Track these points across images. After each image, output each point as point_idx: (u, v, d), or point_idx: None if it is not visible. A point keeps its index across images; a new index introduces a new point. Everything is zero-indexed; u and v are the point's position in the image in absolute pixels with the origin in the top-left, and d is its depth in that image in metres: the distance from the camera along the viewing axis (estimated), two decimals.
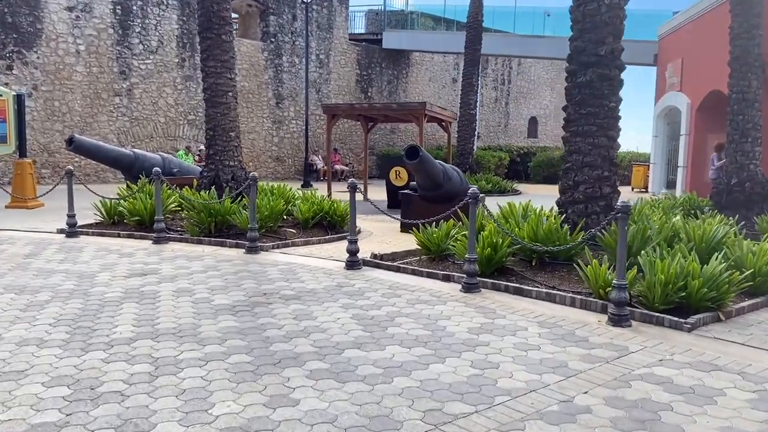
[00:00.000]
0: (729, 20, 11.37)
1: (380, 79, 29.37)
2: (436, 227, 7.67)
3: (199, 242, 9.02)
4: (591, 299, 5.72)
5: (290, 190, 11.08)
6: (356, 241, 7.36)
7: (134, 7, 20.39)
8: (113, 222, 10.16)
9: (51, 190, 11.00)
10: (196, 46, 20.75)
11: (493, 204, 9.36)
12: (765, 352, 4.62)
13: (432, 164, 9.71)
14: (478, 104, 25.50)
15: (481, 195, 7.35)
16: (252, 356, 4.32)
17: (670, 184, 21.53)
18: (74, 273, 6.91)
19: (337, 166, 25.47)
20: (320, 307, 5.62)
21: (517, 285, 6.27)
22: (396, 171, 14.51)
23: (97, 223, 10.33)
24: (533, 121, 38.83)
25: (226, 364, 4.16)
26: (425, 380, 3.94)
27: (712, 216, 8.83)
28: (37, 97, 18.51)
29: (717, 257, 5.73)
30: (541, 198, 12.18)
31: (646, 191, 23.15)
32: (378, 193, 16.42)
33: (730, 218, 8.30)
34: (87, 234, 9.65)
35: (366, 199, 8.04)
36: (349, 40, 28.12)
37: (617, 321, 5.15)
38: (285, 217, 9.93)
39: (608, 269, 5.73)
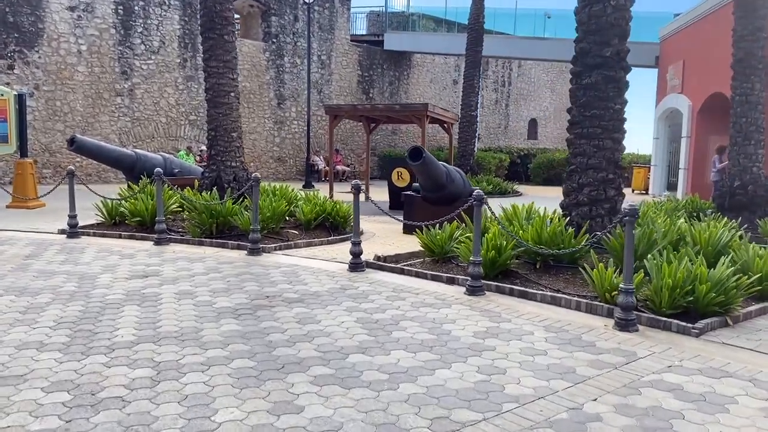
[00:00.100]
0: (731, 22, 11.33)
1: (381, 81, 29.33)
2: (439, 229, 7.62)
3: (201, 243, 8.97)
4: (597, 303, 5.67)
5: (292, 191, 11.03)
6: (360, 243, 7.31)
7: (136, 7, 20.34)
8: (114, 223, 10.10)
9: (52, 190, 10.94)
10: (198, 46, 20.76)
11: (495, 205, 9.29)
12: None
13: (435, 166, 9.66)
14: (478, 106, 25.46)
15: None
16: (255, 361, 4.26)
17: (671, 186, 21.49)
18: (75, 274, 6.85)
19: (339, 167, 25.42)
20: (324, 310, 5.56)
21: (522, 288, 6.21)
22: (398, 172, 14.45)
23: (98, 224, 10.27)
24: (533, 123, 38.79)
25: (228, 369, 4.10)
26: (432, 386, 3.88)
27: (715, 219, 8.77)
28: (38, 97, 18.46)
29: (724, 261, 5.66)
30: (542, 199, 12.14)
31: (647, 193, 23.11)
32: (380, 194, 16.35)
33: (733, 221, 8.24)
34: (88, 234, 9.59)
35: (369, 199, 7.98)
36: (351, 41, 28.07)
37: (624, 326, 5.09)
38: (287, 218, 9.88)
39: (614, 273, 5.67)
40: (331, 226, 9.92)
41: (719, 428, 3.39)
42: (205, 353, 4.40)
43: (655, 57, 22.05)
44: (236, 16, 23.05)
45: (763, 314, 5.72)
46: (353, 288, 6.45)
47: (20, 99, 13.39)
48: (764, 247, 6.40)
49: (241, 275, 6.97)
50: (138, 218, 9.67)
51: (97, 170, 19.65)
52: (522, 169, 29.00)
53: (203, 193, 10.10)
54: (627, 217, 5.10)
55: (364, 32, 30.55)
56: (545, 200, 10.78)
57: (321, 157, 26.15)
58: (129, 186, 11.90)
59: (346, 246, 8.38)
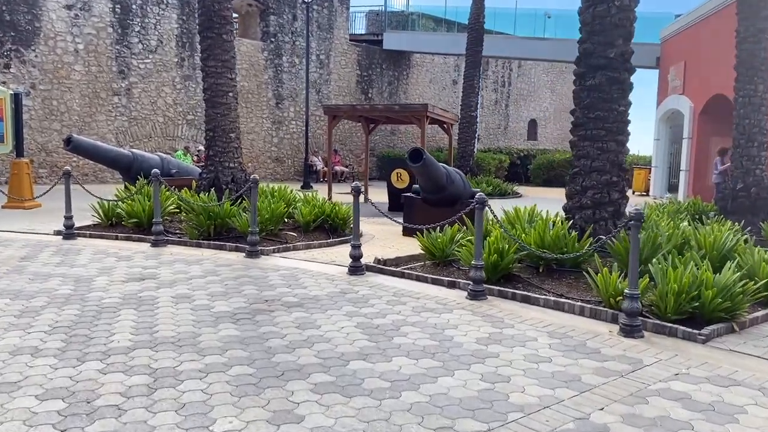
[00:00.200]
0: (733, 23, 11.25)
1: (381, 80, 29.23)
2: (440, 232, 7.53)
3: (198, 245, 8.87)
4: (601, 308, 5.59)
5: (291, 192, 10.93)
6: (359, 246, 7.22)
7: (134, 6, 20.22)
8: (111, 224, 10.00)
9: (48, 190, 10.83)
10: (196, 45, 20.66)
11: (495, 207, 9.19)
12: None
13: (435, 167, 9.57)
14: (478, 106, 25.38)
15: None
16: (254, 368, 4.17)
17: (672, 188, 21.43)
18: (71, 277, 6.76)
19: (337, 168, 25.32)
20: (324, 315, 5.47)
21: (525, 293, 6.13)
22: (398, 173, 14.36)
23: (94, 225, 10.17)
24: (533, 124, 38.72)
25: (227, 376, 4.01)
26: (434, 395, 3.79)
27: (718, 222, 8.69)
28: (35, 96, 18.33)
29: (730, 266, 5.58)
30: (543, 201, 12.07)
31: (647, 195, 23.05)
32: (379, 195, 16.27)
33: (736, 224, 8.16)
34: (84, 236, 9.50)
35: (368, 201, 7.89)
36: (350, 40, 27.97)
37: (629, 332, 5.01)
38: (286, 220, 9.78)
39: (618, 277, 5.59)
40: (330, 228, 9.83)
41: None
42: (203, 359, 4.31)
43: (656, 58, 21.98)
44: (234, 15, 23.00)
45: None
46: (353, 292, 6.36)
47: (16, 98, 13.29)
48: None
49: (240, 278, 6.88)
50: (135, 219, 9.57)
51: (93, 170, 19.53)
52: (522, 170, 28.92)
53: (201, 194, 10.00)
54: (632, 222, 5.02)
55: (363, 32, 30.45)
56: (546, 202, 10.70)
57: (319, 157, 26.05)
58: (126, 186, 11.79)
59: (346, 248, 8.29)
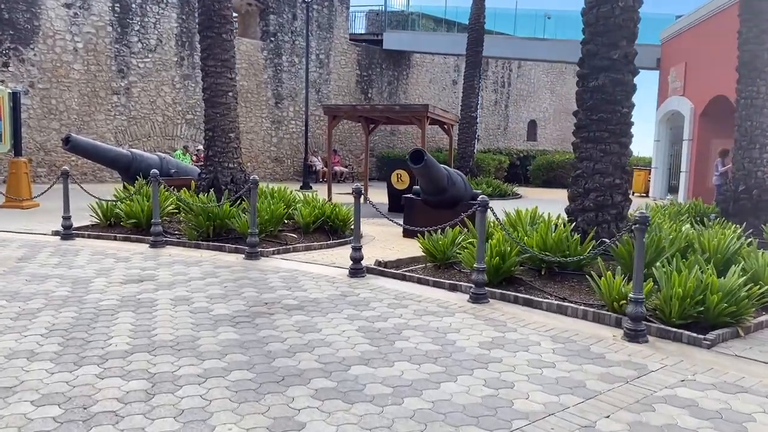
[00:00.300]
0: (735, 24, 11.20)
1: (380, 80, 29.17)
2: (441, 234, 7.47)
3: (197, 246, 8.80)
4: (604, 312, 5.53)
5: (290, 193, 10.86)
6: (360, 248, 7.15)
7: (133, 5, 20.15)
8: (110, 224, 9.93)
9: (47, 190, 10.75)
10: (195, 44, 20.60)
11: (495, 208, 9.15)
12: None
13: (437, 169, 9.50)
14: (478, 107, 25.33)
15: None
16: (254, 373, 4.10)
17: (672, 189, 21.38)
18: (69, 278, 6.69)
19: (337, 168, 25.26)
20: (324, 318, 5.41)
21: (527, 296, 6.07)
22: (398, 174, 14.30)
23: (93, 225, 10.11)
24: (532, 124, 38.67)
25: (226, 382, 3.94)
26: (437, 401, 3.73)
27: (720, 224, 8.64)
28: (33, 95, 18.26)
29: (735, 270, 5.52)
30: (543, 202, 12.02)
31: (647, 196, 23.01)
32: (378, 195, 16.20)
33: (738, 226, 8.11)
34: (83, 236, 9.43)
35: (369, 202, 7.82)
36: (350, 40, 27.90)
37: (634, 336, 4.95)
38: (285, 221, 9.71)
39: (622, 281, 5.53)
40: (331, 229, 9.76)
41: None
42: (201, 364, 4.24)
43: (656, 59, 21.93)
44: (234, 14, 22.92)
45: None
46: (354, 295, 6.29)
47: (14, 97, 13.21)
48: None
49: (239, 280, 6.81)
50: (133, 220, 9.50)
51: (92, 169, 19.45)
52: (521, 171, 28.88)
53: (200, 195, 9.94)
54: (637, 225, 4.96)
55: (363, 31, 30.39)
56: (546, 203, 10.64)
57: (319, 157, 25.98)
58: (125, 186, 11.73)
59: (346, 250, 8.23)
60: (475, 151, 23.91)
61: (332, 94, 26.94)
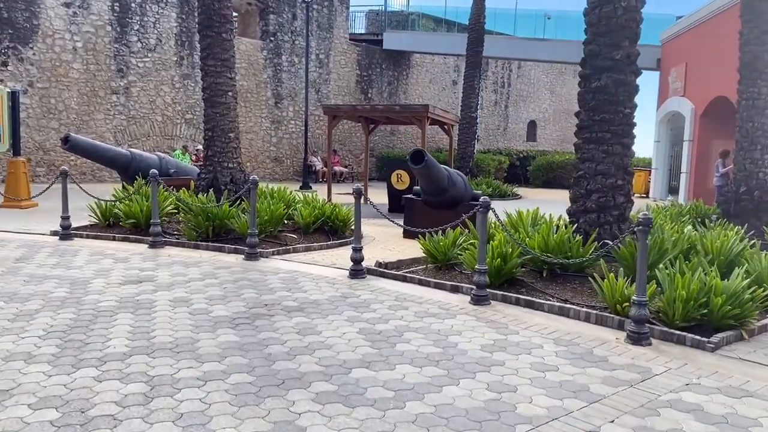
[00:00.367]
0: (736, 25, 11.17)
1: (380, 80, 29.12)
2: (442, 235, 7.42)
3: (196, 247, 8.75)
4: (607, 314, 5.48)
5: (290, 193, 10.81)
6: (361, 249, 7.10)
7: (133, 5, 20.10)
8: (108, 224, 9.88)
9: (45, 190, 10.69)
10: (195, 44, 20.53)
11: (496, 209, 9.11)
12: None
13: (437, 169, 9.46)
14: (478, 107, 25.30)
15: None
16: (254, 376, 4.06)
17: (672, 190, 21.35)
18: (67, 279, 6.64)
19: (337, 168, 25.20)
20: (324, 320, 5.36)
21: (528, 298, 6.02)
22: (398, 174, 14.26)
23: (91, 225, 10.05)
24: (532, 125, 38.63)
25: (226, 385, 3.90)
26: (440, 405, 3.69)
27: (722, 226, 8.60)
28: (32, 94, 18.20)
29: (738, 273, 5.48)
30: (543, 203, 11.97)
31: (647, 196, 22.97)
32: (378, 196, 16.15)
33: (740, 227, 8.07)
34: (81, 236, 9.38)
35: (369, 202, 7.77)
36: (350, 40, 27.85)
37: (637, 339, 4.91)
38: (285, 221, 9.66)
39: (625, 283, 5.48)
40: (331, 230, 9.72)
41: None
42: (201, 366, 4.20)
43: (656, 59, 21.89)
44: (234, 14, 22.87)
45: None
46: (354, 296, 6.25)
47: (13, 96, 13.16)
48: None
49: (239, 281, 6.77)
50: (132, 220, 9.45)
51: (91, 169, 19.40)
52: (521, 172, 28.84)
53: (199, 195, 9.89)
54: (641, 227, 4.91)
55: (363, 31, 30.35)
56: (546, 203, 10.59)
57: (318, 157, 25.93)
58: (124, 186, 11.68)
59: (346, 251, 8.19)
60: (474, 151, 23.87)
61: (332, 94, 26.90)
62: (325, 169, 24.56)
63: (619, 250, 6.22)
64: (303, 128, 23.62)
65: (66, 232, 9.19)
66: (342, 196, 16.33)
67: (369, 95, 28.54)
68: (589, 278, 6.07)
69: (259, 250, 8.12)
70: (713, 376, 4.29)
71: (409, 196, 10.80)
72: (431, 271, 7.26)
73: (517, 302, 6.03)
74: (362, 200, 7.24)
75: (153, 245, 8.67)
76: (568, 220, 7.37)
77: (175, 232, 9.45)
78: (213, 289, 6.40)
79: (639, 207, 8.55)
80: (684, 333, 5.00)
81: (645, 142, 36.42)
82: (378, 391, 3.85)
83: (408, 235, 10.15)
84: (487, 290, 6.08)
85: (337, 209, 9.83)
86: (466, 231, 7.66)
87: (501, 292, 6.19)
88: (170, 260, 7.86)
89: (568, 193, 7.64)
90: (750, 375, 4.34)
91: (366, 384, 3.96)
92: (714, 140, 18.10)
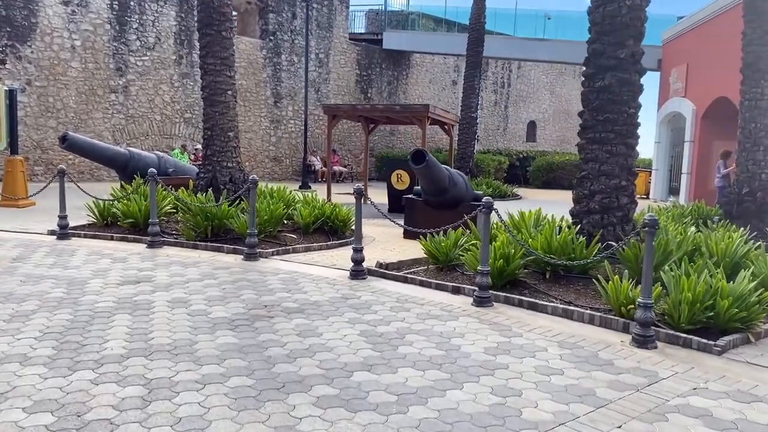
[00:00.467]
0: (738, 25, 11.10)
1: (380, 80, 29.04)
2: (443, 235, 7.34)
3: (195, 247, 8.67)
4: (611, 317, 5.41)
5: (290, 193, 10.73)
6: (361, 250, 7.02)
7: (132, 3, 20.01)
8: (106, 223, 9.80)
9: (43, 188, 10.60)
10: (194, 43, 20.46)
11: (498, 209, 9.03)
12: None
13: (438, 169, 9.38)
14: (478, 107, 25.22)
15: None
16: (253, 379, 3.98)
17: (673, 191, 21.29)
18: (64, 279, 6.56)
19: (336, 168, 25.11)
20: (325, 321, 5.28)
21: (532, 299, 5.94)
22: (398, 174, 14.18)
23: (89, 225, 9.97)
24: (532, 125, 38.56)
25: (225, 388, 3.82)
26: (443, 410, 3.61)
27: (724, 227, 8.53)
28: (30, 93, 18.10)
29: (745, 275, 5.41)
30: (543, 203, 11.89)
31: (647, 198, 22.90)
32: (378, 196, 16.07)
33: (742, 229, 8.00)
34: (79, 236, 9.29)
35: (370, 202, 7.69)
36: (349, 39, 27.77)
37: (642, 342, 4.83)
38: (285, 221, 9.58)
39: (630, 285, 5.41)
40: (330, 230, 9.63)
41: None
42: (199, 369, 4.12)
43: (657, 60, 21.82)
44: (233, 13, 22.76)
45: None
46: (355, 297, 6.17)
47: (11, 94, 13.06)
48: None
49: (238, 282, 6.69)
50: (131, 219, 9.37)
51: (89, 168, 19.30)
52: (521, 172, 28.77)
53: (198, 195, 9.80)
54: (647, 228, 4.84)
55: (363, 31, 30.27)
56: (546, 204, 10.52)
57: (318, 157, 25.84)
58: (122, 186, 11.59)
59: (346, 251, 8.12)
60: (474, 151, 23.79)
61: (331, 94, 26.81)
62: (324, 168, 24.48)
63: (623, 252, 6.14)
64: (302, 128, 23.53)
65: (63, 232, 9.11)
66: (341, 196, 16.25)
67: (369, 95, 28.46)
68: (593, 280, 6.00)
69: (258, 250, 8.04)
70: (721, 380, 4.21)
71: (409, 196, 10.72)
72: (432, 272, 7.18)
73: (520, 304, 5.95)
74: (363, 200, 7.16)
75: (151, 245, 8.59)
76: (571, 221, 7.29)
77: (174, 232, 9.37)
78: (212, 289, 6.32)
79: (641, 208, 8.49)
80: (690, 336, 4.93)
81: (645, 143, 36.40)
82: (380, 395, 3.78)
83: (408, 235, 10.07)
84: (490, 292, 6.00)
85: (337, 209, 9.76)
86: (468, 232, 7.59)
87: (503, 294, 6.11)
88: (168, 260, 7.78)
89: (568, 194, 7.58)
90: (758, 379, 4.27)
91: (368, 388, 3.89)
92: (715, 141, 18.04)
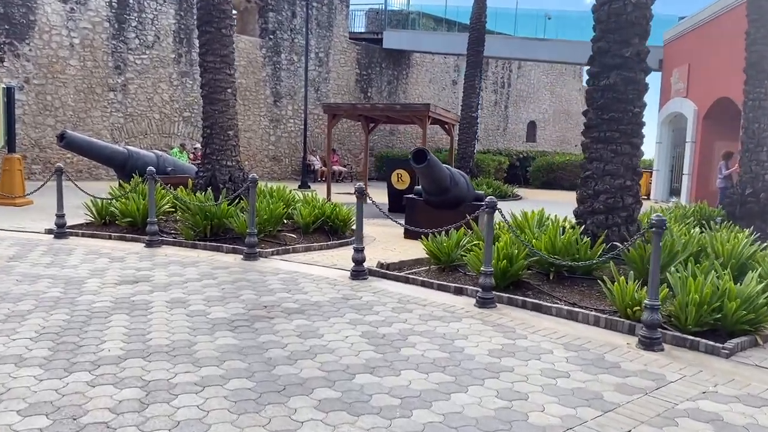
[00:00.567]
0: (740, 25, 11.04)
1: (380, 80, 28.95)
2: (445, 235, 7.26)
3: (194, 246, 8.58)
4: (616, 318, 5.33)
5: (290, 192, 10.64)
6: (362, 250, 6.94)
7: (131, 1, 19.90)
8: (104, 222, 9.71)
9: (41, 187, 10.51)
10: (193, 41, 20.38)
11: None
12: None
13: (440, 169, 9.30)
14: (478, 107, 25.15)
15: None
16: (253, 381, 3.89)
17: (674, 192, 21.22)
18: (61, 279, 6.46)
19: (335, 167, 25.02)
20: (326, 322, 5.20)
21: (535, 301, 5.86)
22: (398, 174, 14.10)
23: (87, 224, 9.88)
24: (532, 126, 38.49)
25: (225, 391, 3.73)
26: (448, 414, 3.53)
27: (727, 228, 8.45)
28: (28, 91, 17.99)
29: (752, 276, 5.33)
30: (543, 204, 11.80)
31: (648, 198, 22.83)
32: (378, 195, 15.97)
33: (745, 230, 7.92)
34: (77, 235, 9.20)
35: (372, 201, 7.60)
36: (349, 39, 27.67)
37: (649, 345, 4.75)
38: (285, 221, 9.49)
39: (636, 286, 5.33)
40: (331, 230, 9.55)
41: None
42: (198, 371, 4.03)
43: (658, 60, 21.75)
44: (233, 11, 22.66)
45: None
46: (356, 298, 6.08)
47: (8, 92, 12.96)
48: None
49: (237, 282, 6.60)
50: (129, 219, 9.28)
51: (87, 167, 19.19)
52: (521, 172, 28.70)
53: (197, 194, 9.71)
54: (654, 228, 4.76)
55: (363, 30, 30.17)
56: (547, 204, 10.41)
57: (317, 156, 25.74)
58: (120, 184, 11.50)
59: (346, 251, 8.04)
60: (475, 151, 23.71)
61: (331, 93, 26.72)
62: (323, 168, 24.39)
63: (629, 253, 6.06)
64: (302, 127, 23.44)
65: (61, 231, 9.01)
66: (341, 196, 16.17)
67: (368, 94, 28.37)
68: (598, 281, 5.92)
69: (258, 250, 7.95)
70: (730, 384, 4.13)
71: (410, 195, 10.64)
72: (434, 273, 7.10)
73: (523, 305, 5.87)
74: (364, 199, 7.07)
75: (150, 244, 8.50)
76: (575, 221, 7.21)
77: (173, 231, 9.28)
78: (211, 289, 6.23)
79: (643, 209, 8.39)
80: (697, 338, 4.85)
81: (646, 143, 36.34)
82: (383, 399, 3.69)
83: (409, 235, 9.99)
84: (493, 293, 5.92)
85: (337, 209, 9.67)
86: (470, 232, 7.50)
87: (507, 295, 6.03)
88: (167, 260, 7.69)
89: (569, 194, 7.51)
90: None
91: (371, 391, 3.80)
92: (716, 142, 17.97)
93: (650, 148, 25.11)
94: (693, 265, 5.68)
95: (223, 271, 7.15)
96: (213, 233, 8.85)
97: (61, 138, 11.77)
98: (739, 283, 5.23)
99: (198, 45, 10.74)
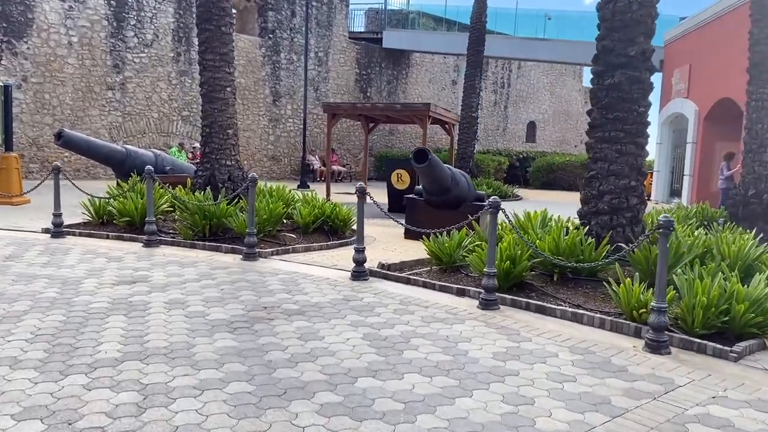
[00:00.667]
0: (742, 26, 10.97)
1: (380, 79, 28.86)
2: (447, 236, 7.17)
3: (193, 246, 8.49)
4: (622, 321, 5.24)
5: (289, 192, 10.56)
6: (363, 250, 6.85)
7: None
8: (102, 222, 9.61)
9: (38, 186, 10.41)
10: (192, 40, 20.29)
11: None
12: None
13: (441, 168, 9.22)
14: (478, 107, 25.07)
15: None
16: (253, 384, 3.80)
17: (675, 193, 21.15)
18: (57, 279, 6.37)
19: (335, 167, 24.92)
20: (327, 324, 5.11)
21: (539, 302, 5.78)
22: (398, 174, 14.01)
23: (84, 223, 9.78)
24: (531, 126, 38.41)
25: (224, 394, 3.64)
26: (453, 419, 3.44)
27: (730, 229, 8.38)
28: (26, 89, 17.89)
29: (760, 278, 5.25)
30: (543, 204, 11.73)
31: (649, 199, 22.77)
32: (377, 195, 15.88)
33: (750, 232, 7.85)
34: (74, 234, 9.10)
35: (373, 201, 7.52)
36: (349, 38, 27.58)
37: (656, 348, 4.67)
38: (284, 220, 9.40)
39: (641, 288, 5.25)
40: (331, 229, 9.46)
41: None
42: (197, 374, 3.94)
43: (659, 61, 21.68)
44: (233, 10, 22.56)
45: None
46: (357, 299, 5.99)
47: (6, 90, 12.86)
48: None
49: (237, 282, 6.51)
50: (127, 218, 9.19)
51: (85, 166, 19.09)
52: (521, 173, 28.62)
53: (196, 193, 9.62)
54: (661, 229, 4.67)
55: (363, 29, 30.08)
56: (548, 205, 10.31)
57: (317, 156, 25.65)
58: (118, 183, 11.40)
59: (347, 251, 7.96)
60: (474, 151, 23.63)
61: (331, 93, 26.63)
62: (323, 168, 24.31)
63: (634, 254, 5.98)
64: (301, 127, 23.35)
65: (58, 230, 8.92)
66: (341, 196, 16.09)
67: (368, 94, 28.28)
68: (603, 283, 5.84)
69: (257, 250, 7.86)
70: (740, 389, 4.05)
71: (410, 195, 10.55)
72: (436, 273, 7.01)
73: (527, 307, 5.78)
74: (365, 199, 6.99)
75: (148, 244, 8.41)
76: (578, 221, 7.13)
77: (171, 231, 9.19)
78: (210, 290, 6.14)
79: (648, 210, 8.33)
80: (705, 341, 4.77)
81: (648, 144, 36.29)
82: (386, 403, 3.61)
83: (410, 235, 9.91)
84: (496, 294, 5.84)
85: (337, 209, 9.58)
86: (471, 232, 7.42)
87: (510, 297, 5.94)
88: (165, 260, 7.59)
89: (569, 195, 7.45)
90: None
91: (373, 395, 3.72)
92: (718, 143, 17.91)
93: (651, 148, 25.06)
94: (699, 266, 5.59)
95: (222, 271, 7.06)
96: (212, 233, 8.76)
97: (59, 137, 11.66)
98: (746, 285, 5.15)
99: (197, 43, 10.66)
